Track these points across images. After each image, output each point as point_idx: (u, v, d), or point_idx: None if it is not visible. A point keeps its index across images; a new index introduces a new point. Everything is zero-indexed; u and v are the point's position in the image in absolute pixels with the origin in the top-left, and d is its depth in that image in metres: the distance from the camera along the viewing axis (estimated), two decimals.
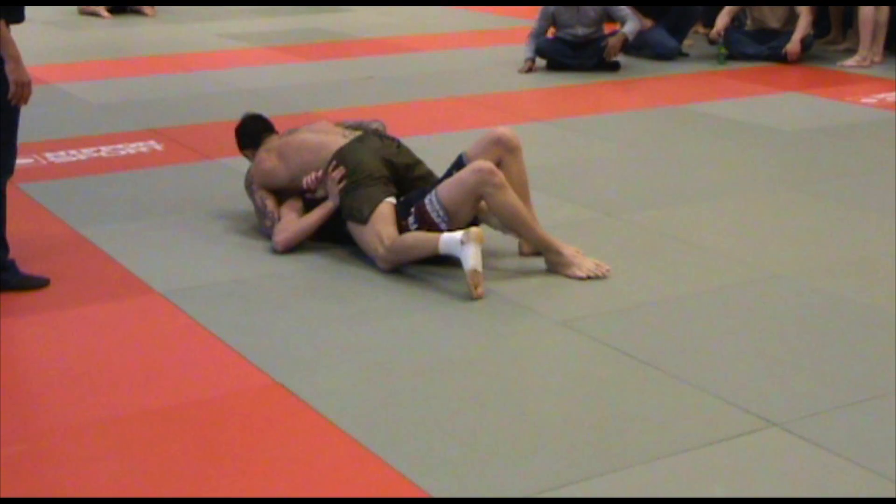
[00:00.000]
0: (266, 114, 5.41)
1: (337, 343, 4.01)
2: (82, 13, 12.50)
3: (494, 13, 12.50)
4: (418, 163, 4.96)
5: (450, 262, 4.50)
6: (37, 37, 10.37)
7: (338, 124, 5.26)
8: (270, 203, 4.99)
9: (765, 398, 3.54)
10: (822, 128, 7.18)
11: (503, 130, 4.81)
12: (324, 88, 8.43)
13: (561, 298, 4.39)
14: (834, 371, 3.75)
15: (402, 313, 4.26)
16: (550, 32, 9.10)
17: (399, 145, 4.98)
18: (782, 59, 9.20)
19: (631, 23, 8.84)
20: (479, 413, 3.50)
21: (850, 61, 9.13)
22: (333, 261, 4.78)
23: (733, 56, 9.30)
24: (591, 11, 8.89)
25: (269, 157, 5.07)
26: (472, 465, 3.18)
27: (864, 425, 3.39)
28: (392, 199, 4.72)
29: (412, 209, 4.65)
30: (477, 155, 4.70)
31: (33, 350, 4.06)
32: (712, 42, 9.54)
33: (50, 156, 6.46)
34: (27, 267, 4.54)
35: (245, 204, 5.25)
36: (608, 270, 4.57)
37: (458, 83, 8.60)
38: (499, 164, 4.64)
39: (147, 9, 12.51)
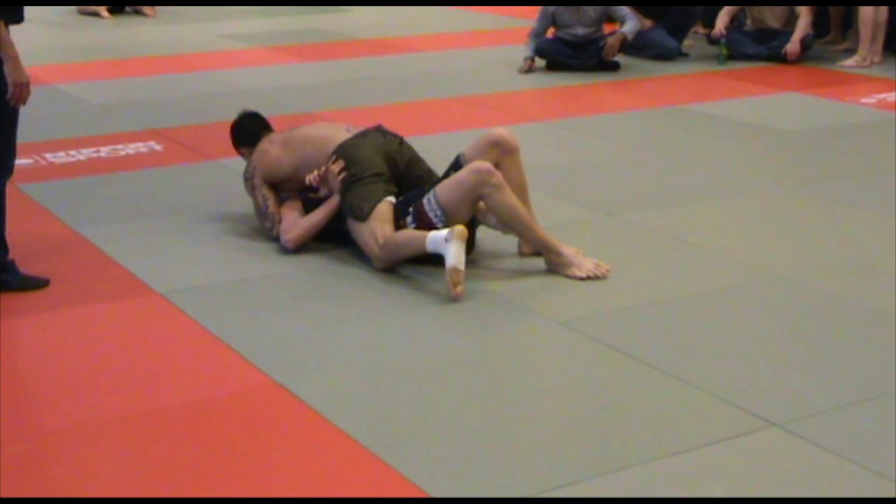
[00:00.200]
0: (266, 114, 5.39)
1: (337, 343, 4.01)
2: (82, 13, 12.50)
3: (494, 13, 12.50)
4: (420, 160, 4.96)
5: None
6: (37, 37, 10.38)
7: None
8: (272, 204, 4.98)
9: (765, 398, 3.54)
10: (822, 128, 7.18)
11: (501, 132, 4.78)
12: (324, 89, 8.43)
13: (561, 298, 4.39)
14: (834, 371, 3.75)
15: (402, 313, 4.26)
16: (550, 32, 9.10)
17: (401, 142, 4.97)
18: (782, 59, 9.20)
19: (630, 23, 8.84)
20: (478, 413, 3.50)
21: (850, 61, 9.13)
22: (334, 261, 4.78)
23: (733, 56, 9.30)
24: (591, 11, 8.88)
25: (272, 147, 5.06)
26: (471, 465, 3.18)
27: (864, 425, 3.39)
28: (391, 199, 4.71)
29: (410, 209, 4.64)
30: (475, 156, 4.68)
31: (33, 350, 4.06)
32: (712, 42, 9.54)
33: (50, 156, 6.46)
34: (27, 267, 4.54)
35: (245, 205, 5.25)
36: (608, 270, 4.57)
37: (458, 83, 8.60)
38: (497, 166, 4.60)
39: (147, 9, 12.51)
